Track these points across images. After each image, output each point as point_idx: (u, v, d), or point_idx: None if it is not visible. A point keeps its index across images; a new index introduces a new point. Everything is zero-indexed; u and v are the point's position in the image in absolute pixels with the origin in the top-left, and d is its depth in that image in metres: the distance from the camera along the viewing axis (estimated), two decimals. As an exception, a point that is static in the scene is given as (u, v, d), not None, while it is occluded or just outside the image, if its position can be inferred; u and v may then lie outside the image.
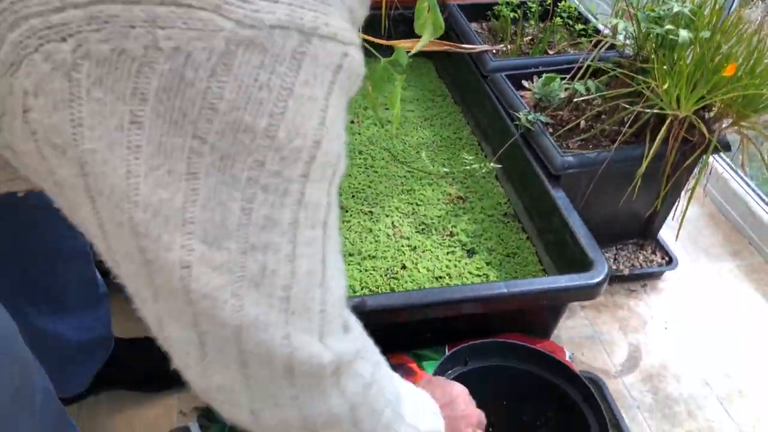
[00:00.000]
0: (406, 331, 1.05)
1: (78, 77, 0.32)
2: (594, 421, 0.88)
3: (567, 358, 1.09)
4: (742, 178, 1.57)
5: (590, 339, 1.29)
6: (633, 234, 1.42)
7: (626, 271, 1.36)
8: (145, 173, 0.34)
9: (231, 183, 0.35)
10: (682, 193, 1.30)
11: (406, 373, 1.01)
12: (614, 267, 1.37)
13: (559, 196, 1.16)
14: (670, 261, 1.40)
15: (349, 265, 1.17)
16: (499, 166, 1.33)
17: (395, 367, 1.02)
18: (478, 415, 0.76)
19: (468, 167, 1.32)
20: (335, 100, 0.37)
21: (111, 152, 0.34)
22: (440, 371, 0.91)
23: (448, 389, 0.74)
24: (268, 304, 0.39)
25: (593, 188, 1.21)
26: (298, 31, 0.34)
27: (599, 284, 1.00)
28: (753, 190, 1.53)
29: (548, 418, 0.96)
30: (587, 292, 1.01)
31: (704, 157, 1.18)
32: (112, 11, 0.32)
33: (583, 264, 1.05)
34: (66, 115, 0.33)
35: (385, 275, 1.16)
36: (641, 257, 1.40)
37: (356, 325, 0.48)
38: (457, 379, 0.94)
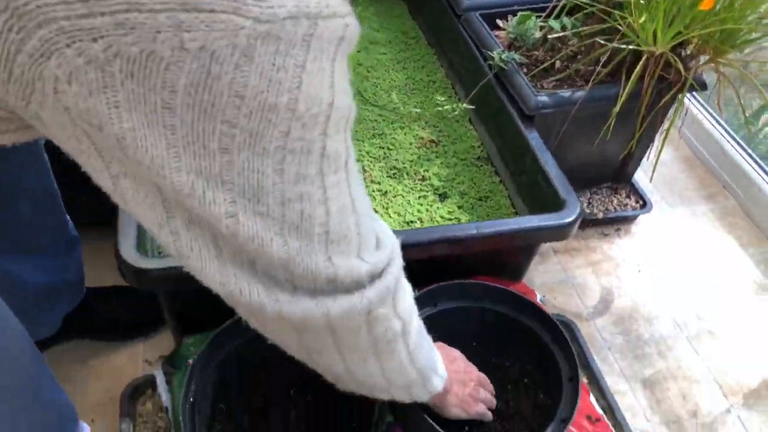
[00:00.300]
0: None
1: (111, 70, 0.36)
2: (563, 362, 0.88)
3: (538, 300, 1.08)
4: (717, 120, 1.55)
5: (563, 283, 1.29)
6: (607, 178, 1.40)
7: (600, 215, 1.35)
8: (183, 146, 0.39)
9: (262, 153, 0.40)
10: (657, 135, 1.28)
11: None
12: (588, 211, 1.36)
13: (533, 137, 1.13)
14: (644, 205, 1.39)
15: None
16: (472, 107, 1.29)
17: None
18: (479, 374, 0.84)
19: (440, 108, 1.29)
20: (340, 64, 0.41)
21: (149, 129, 0.38)
22: (409, 313, 0.89)
23: (448, 350, 0.82)
24: (308, 239, 0.45)
25: (567, 129, 1.19)
26: (306, 17, 0.38)
27: (571, 224, 0.98)
28: (728, 134, 1.52)
29: (517, 358, 0.95)
30: (558, 232, 0.99)
31: (680, 96, 1.16)
32: (138, 19, 0.35)
33: (555, 205, 1.03)
34: (102, 99, 0.37)
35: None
36: (615, 201, 1.38)
37: (386, 236, 0.55)
38: (427, 320, 0.92)
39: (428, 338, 0.70)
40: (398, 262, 0.55)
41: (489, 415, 0.85)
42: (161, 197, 0.43)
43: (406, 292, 0.60)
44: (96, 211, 0.75)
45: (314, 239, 0.46)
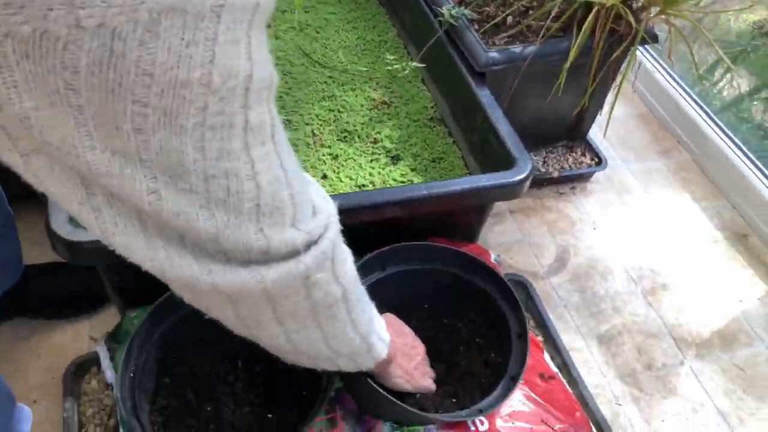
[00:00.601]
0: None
1: (4, 51, 0.34)
2: (513, 319, 0.87)
3: (492, 260, 1.07)
4: (672, 76, 1.54)
5: (519, 243, 1.28)
6: (563, 136, 1.39)
7: (555, 174, 1.34)
8: (94, 126, 0.37)
9: (180, 132, 0.38)
10: (611, 90, 1.27)
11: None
12: (543, 170, 1.35)
13: (484, 95, 1.10)
14: (599, 162, 1.38)
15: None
16: (422, 65, 1.26)
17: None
18: (424, 349, 0.84)
19: (390, 68, 1.25)
20: (256, 32, 0.39)
21: (54, 109, 0.36)
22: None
23: (398, 324, 0.82)
24: (237, 213, 0.44)
25: (520, 86, 1.16)
26: None
27: (521, 182, 0.96)
28: (682, 88, 1.52)
29: (470, 319, 0.94)
30: (509, 191, 0.97)
31: (632, 49, 1.14)
32: None
33: (506, 163, 1.01)
34: None
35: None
36: (571, 159, 1.37)
37: (323, 201, 0.53)
38: (375, 285, 0.91)
39: (371, 304, 0.68)
40: (335, 227, 0.53)
41: (434, 389, 0.84)
42: (78, 175, 0.41)
43: (345, 257, 0.58)
44: (30, 184, 0.71)
45: (244, 213, 0.44)
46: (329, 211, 0.53)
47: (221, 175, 0.41)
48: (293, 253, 0.49)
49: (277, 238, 0.47)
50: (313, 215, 0.51)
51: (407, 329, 0.83)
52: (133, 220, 0.44)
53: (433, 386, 0.84)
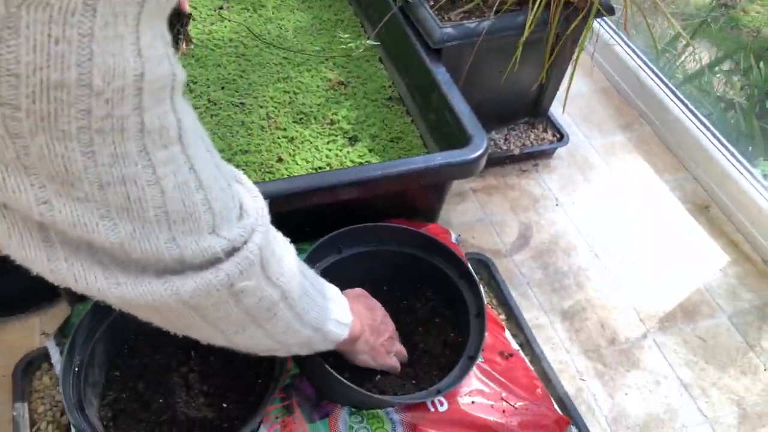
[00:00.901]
0: (281, 226, 0.98)
1: None
2: (470, 297, 0.86)
3: (453, 240, 1.06)
4: (632, 49, 1.54)
5: (481, 221, 1.27)
6: (524, 113, 1.37)
7: (517, 151, 1.33)
8: None
9: (62, 137, 0.35)
10: (570, 65, 1.26)
11: (280, 267, 0.95)
12: (505, 147, 1.33)
13: (439, 72, 1.08)
14: (561, 138, 1.37)
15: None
16: (378, 44, 1.23)
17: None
18: (393, 326, 0.83)
19: (344, 46, 1.22)
20: (147, 27, 0.36)
21: None
22: (310, 261, 0.86)
23: (369, 300, 0.81)
24: (143, 221, 0.40)
25: (476, 62, 1.14)
26: None
27: (477, 159, 0.95)
28: (643, 61, 1.51)
29: (428, 299, 0.93)
30: (465, 169, 0.96)
31: (588, 21, 1.13)
32: None
33: (463, 141, 0.99)
34: None
35: (260, 170, 1.08)
36: (532, 136, 1.36)
37: (251, 201, 0.50)
38: (330, 267, 0.89)
39: (326, 291, 0.65)
40: (263, 229, 0.50)
41: (398, 367, 0.83)
42: None
43: (282, 255, 0.55)
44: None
45: (151, 221, 0.41)
46: (257, 212, 0.50)
47: (117, 181, 0.38)
48: (213, 262, 0.46)
49: (193, 247, 0.44)
50: (239, 218, 0.48)
51: (377, 304, 0.82)
52: (32, 230, 0.40)
53: (397, 365, 0.83)
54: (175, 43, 0.75)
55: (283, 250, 0.55)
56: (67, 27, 0.32)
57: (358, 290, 0.81)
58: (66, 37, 0.32)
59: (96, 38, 0.33)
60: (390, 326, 0.83)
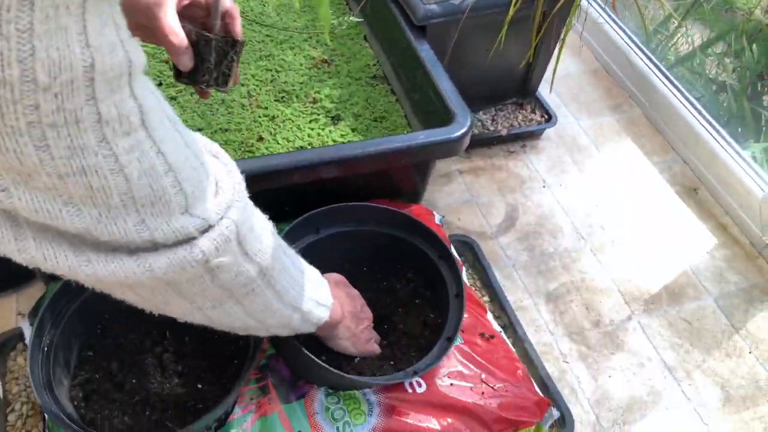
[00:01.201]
0: (261, 206, 0.97)
1: None
2: (450, 277, 0.84)
3: (437, 222, 1.04)
4: (623, 29, 1.51)
5: (468, 203, 1.25)
6: (511, 93, 1.35)
7: (504, 132, 1.31)
8: None
9: (12, 132, 0.34)
10: (557, 44, 1.23)
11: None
12: (492, 128, 1.31)
13: (423, 49, 1.06)
14: (549, 119, 1.35)
15: (197, 139, 1.05)
16: (361, 20, 1.21)
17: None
18: (371, 314, 0.82)
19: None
20: (94, 15, 0.34)
21: None
22: (288, 240, 0.84)
23: (348, 288, 0.79)
24: (108, 207, 0.39)
25: (461, 39, 1.12)
26: None
27: (460, 138, 0.93)
28: (634, 43, 1.49)
29: (409, 280, 0.92)
30: (448, 147, 0.94)
31: (575, 0, 1.10)
32: None
33: (447, 120, 0.97)
34: None
35: (240, 149, 1.06)
36: (520, 117, 1.34)
37: (227, 177, 0.49)
38: (308, 248, 0.88)
39: (306, 271, 0.64)
40: (240, 205, 0.49)
41: (378, 351, 0.83)
42: None
43: (260, 232, 0.53)
44: None
45: (117, 207, 0.40)
46: (234, 187, 0.49)
47: (77, 172, 0.37)
48: (187, 239, 0.45)
49: (164, 228, 0.43)
50: (215, 195, 0.47)
51: (355, 292, 0.81)
52: None
53: (378, 350, 0.82)
54: (227, 73, 0.67)
55: (262, 226, 0.54)
56: (3, 23, 0.31)
57: (338, 276, 0.80)
58: (3, 34, 0.31)
59: (36, 33, 0.32)
60: (369, 315, 0.82)
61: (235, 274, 0.50)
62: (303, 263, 0.65)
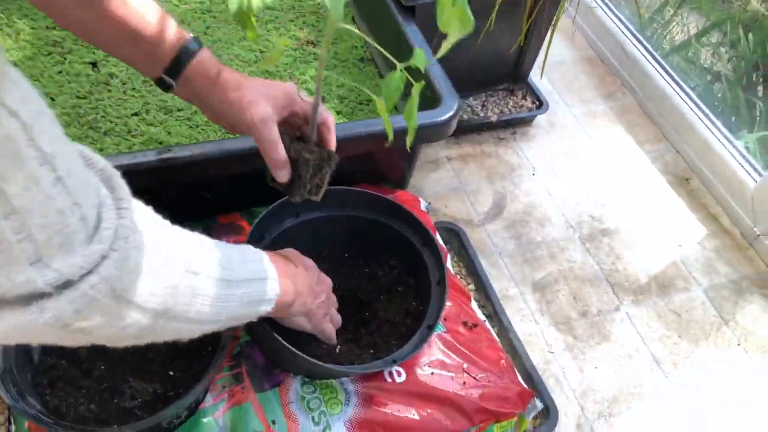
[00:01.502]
0: (238, 189, 0.94)
1: None
2: (433, 264, 0.82)
3: (422, 208, 1.01)
4: (616, 15, 1.48)
5: (456, 190, 1.23)
6: (502, 78, 1.33)
7: (494, 118, 1.28)
8: None
9: None
10: (550, 30, 1.21)
11: (235, 231, 0.90)
12: (482, 114, 1.29)
13: (411, 30, 1.03)
14: (540, 105, 1.33)
15: (176, 120, 1.02)
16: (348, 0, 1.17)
17: (224, 227, 0.91)
18: (329, 285, 0.78)
19: (312, 2, 1.17)
20: None
21: None
22: (265, 224, 0.81)
23: (302, 259, 0.74)
24: None
25: (450, 22, 1.09)
26: None
27: (447, 122, 0.90)
28: (629, 30, 1.46)
29: (391, 267, 0.89)
30: (434, 131, 0.91)
31: (568, -19, 1.08)
32: None
33: (434, 103, 0.94)
34: None
35: (221, 129, 1.02)
36: (511, 103, 1.32)
37: (114, 220, 0.42)
38: (286, 232, 0.85)
39: (246, 262, 0.59)
40: (120, 254, 0.41)
41: (335, 340, 0.78)
42: None
43: (159, 268, 0.46)
44: None
45: None
46: (118, 232, 0.41)
47: None
48: (34, 297, 0.38)
49: (2, 282, 0.37)
50: (88, 241, 0.40)
51: (311, 262, 0.75)
52: None
53: (332, 332, 0.78)
54: (320, 185, 0.68)
55: (167, 257, 0.47)
56: None
57: (289, 250, 0.74)
58: None
59: None
60: (325, 285, 0.76)
61: (119, 329, 0.44)
62: (236, 268, 0.57)
